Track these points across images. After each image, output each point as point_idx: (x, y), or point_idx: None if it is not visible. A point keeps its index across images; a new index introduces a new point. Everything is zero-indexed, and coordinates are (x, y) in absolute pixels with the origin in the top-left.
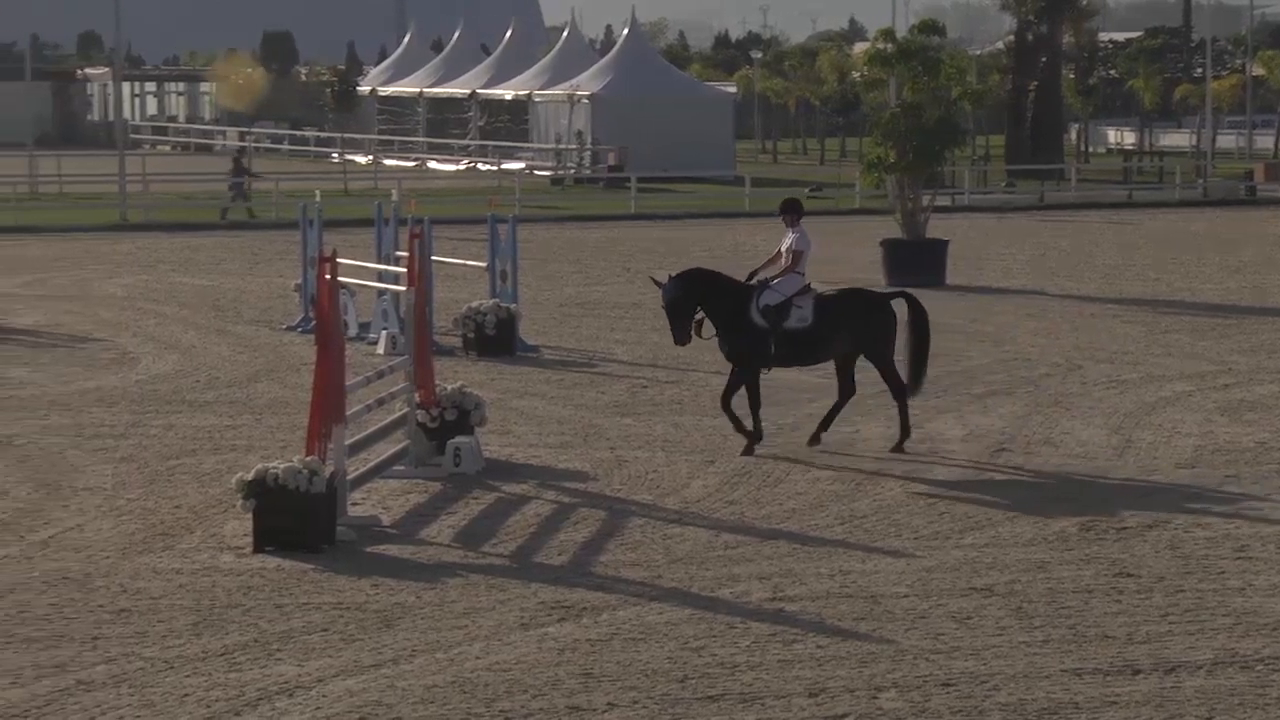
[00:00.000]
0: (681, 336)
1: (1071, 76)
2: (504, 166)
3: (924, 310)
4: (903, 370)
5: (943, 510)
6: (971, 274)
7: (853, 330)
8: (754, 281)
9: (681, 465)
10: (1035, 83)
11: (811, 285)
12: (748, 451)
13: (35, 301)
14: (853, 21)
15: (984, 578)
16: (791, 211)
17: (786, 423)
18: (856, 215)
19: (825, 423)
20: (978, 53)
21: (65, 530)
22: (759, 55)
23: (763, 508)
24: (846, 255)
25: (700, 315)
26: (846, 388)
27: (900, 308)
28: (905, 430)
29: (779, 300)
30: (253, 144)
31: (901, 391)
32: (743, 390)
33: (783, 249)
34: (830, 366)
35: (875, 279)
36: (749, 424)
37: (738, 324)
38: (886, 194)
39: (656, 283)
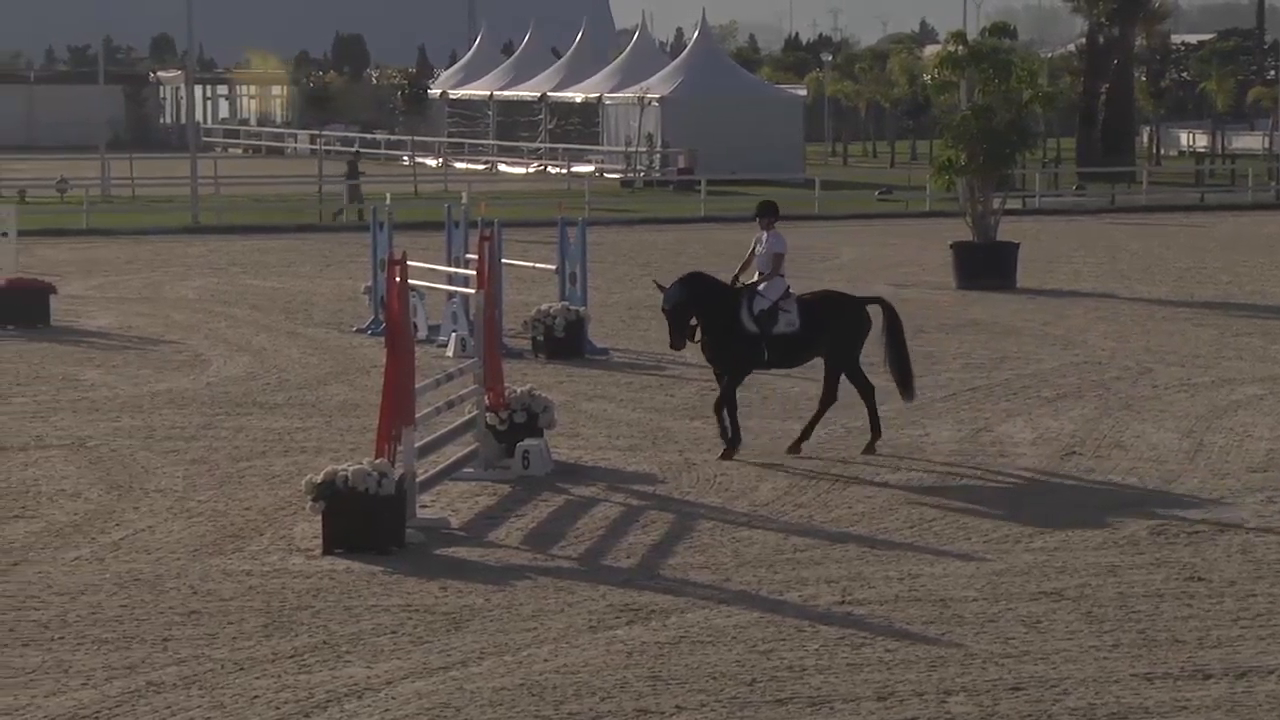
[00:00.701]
0: (680, 341)
1: (1143, 79)
2: (574, 169)
3: (899, 316)
4: (871, 379)
5: (1012, 514)
6: (1042, 277)
7: (830, 331)
8: (737, 285)
9: (750, 468)
10: (1107, 85)
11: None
12: (726, 456)
13: (108, 304)
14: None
15: (1054, 581)
16: (769, 214)
17: (856, 425)
18: (927, 218)
19: (807, 431)
20: (1049, 55)
21: (136, 532)
22: (829, 58)
23: (831, 511)
24: (917, 258)
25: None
26: (829, 395)
27: (875, 313)
28: (876, 430)
29: (768, 305)
30: (323, 146)
31: (869, 392)
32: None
33: (758, 251)
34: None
35: (946, 282)
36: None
37: (731, 329)
38: (957, 197)
39: (659, 286)
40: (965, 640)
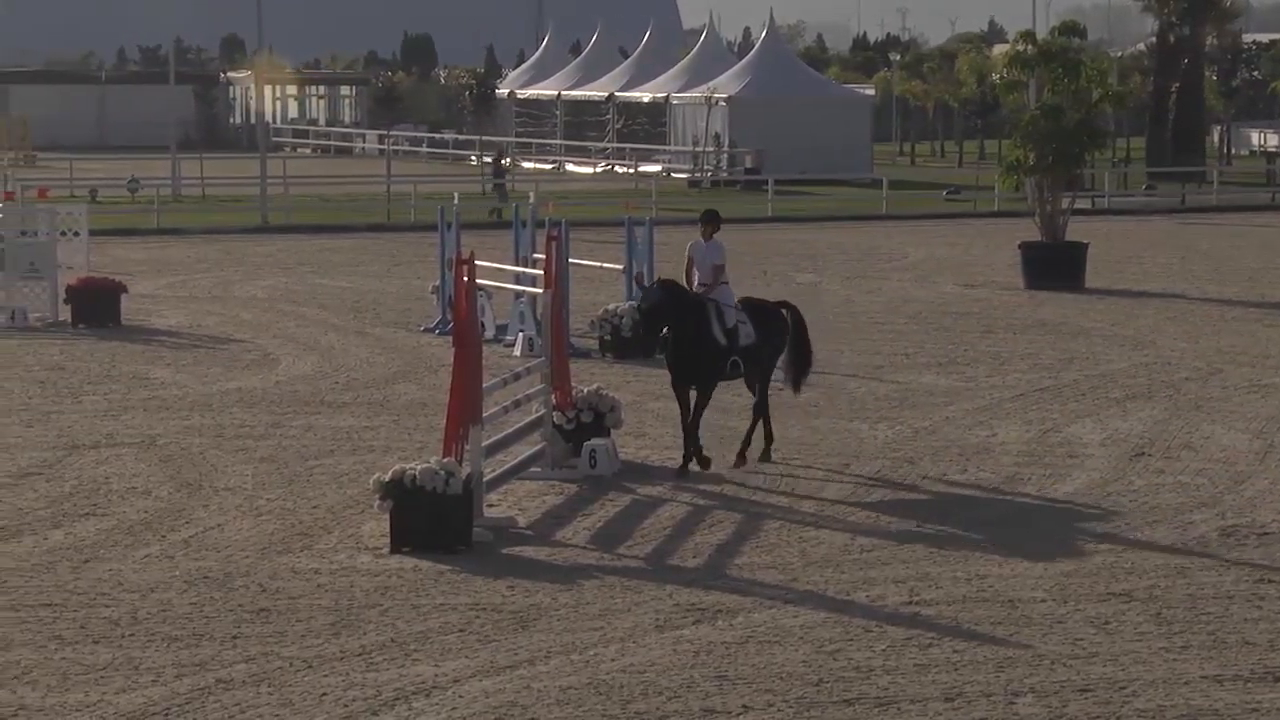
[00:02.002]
0: (653, 347)
1: (1214, 78)
2: (641, 169)
3: (804, 321)
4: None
5: (1081, 515)
6: (1111, 277)
7: (770, 340)
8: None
9: (817, 468)
10: (1177, 84)
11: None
12: (682, 473)
13: (178, 303)
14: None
15: (1123, 583)
16: (710, 222)
17: (923, 426)
18: (995, 218)
19: (748, 439)
20: (1119, 54)
21: (206, 530)
22: (897, 57)
23: (898, 511)
24: (985, 258)
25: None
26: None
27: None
28: (748, 442)
29: (735, 319)
30: (391, 146)
31: (763, 406)
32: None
33: (696, 259)
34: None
35: (1014, 282)
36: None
37: (703, 342)
38: (1026, 197)
39: (641, 287)
40: (1033, 641)
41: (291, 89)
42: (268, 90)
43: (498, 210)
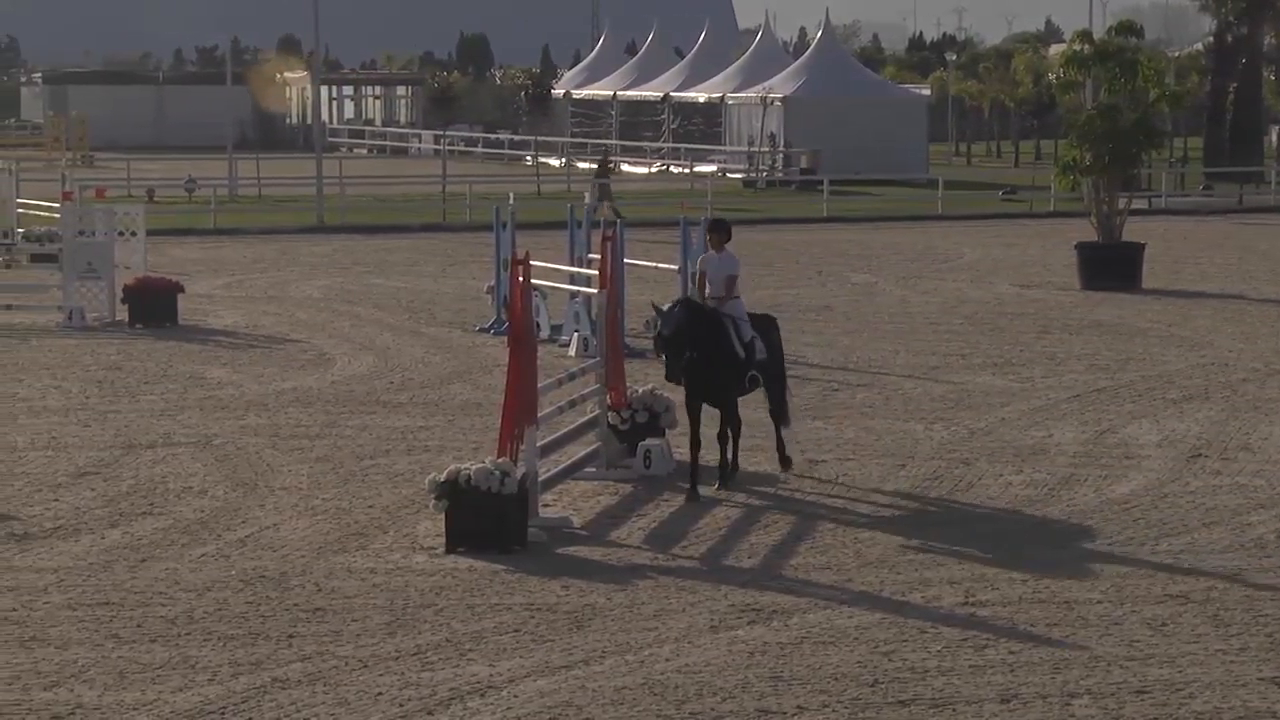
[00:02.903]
0: (678, 374)
1: (1272, 78)
2: (696, 169)
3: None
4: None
5: (1137, 516)
6: (1168, 278)
7: (772, 349)
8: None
9: (873, 469)
10: (1235, 84)
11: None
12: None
13: (234, 303)
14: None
15: (1179, 584)
16: (719, 233)
17: (979, 426)
18: (1051, 218)
19: (733, 462)
20: (1176, 54)
21: (262, 529)
22: (953, 57)
23: (954, 512)
24: (1041, 259)
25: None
26: (782, 410)
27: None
28: (737, 464)
29: (750, 333)
30: (446, 146)
31: (783, 411)
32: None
33: (707, 273)
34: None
35: (1070, 282)
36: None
37: (725, 360)
38: (1082, 197)
39: (657, 310)
40: (1090, 643)
41: (348, 90)
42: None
43: (608, 208)
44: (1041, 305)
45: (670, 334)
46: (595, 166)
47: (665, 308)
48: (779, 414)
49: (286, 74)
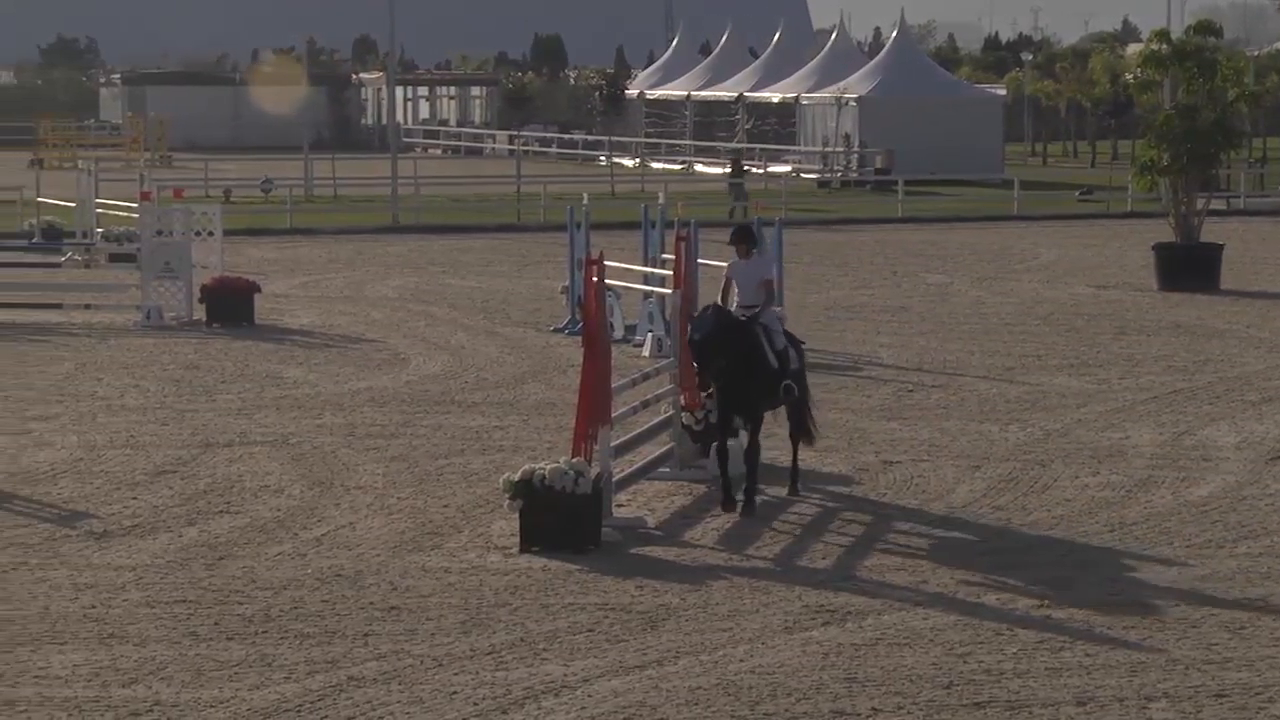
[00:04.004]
0: (710, 381)
1: None
2: (771, 169)
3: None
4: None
5: (1215, 519)
6: (1246, 279)
7: (800, 356)
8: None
9: (947, 470)
10: None
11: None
12: (730, 508)
13: (310, 302)
14: (1126, 22)
15: (1258, 588)
16: (744, 241)
17: (1054, 428)
18: (1128, 219)
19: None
20: (1255, 53)
21: (337, 528)
22: (1029, 57)
23: (1030, 514)
24: (1118, 259)
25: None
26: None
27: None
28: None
29: (783, 341)
30: (521, 147)
31: (804, 427)
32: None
33: (736, 280)
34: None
35: (1147, 283)
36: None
37: (755, 368)
38: (1160, 197)
39: (690, 316)
40: (1167, 645)
41: (423, 90)
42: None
43: (740, 209)
44: (1118, 306)
45: (702, 338)
46: (729, 169)
47: (696, 312)
48: (799, 433)
49: (362, 74)
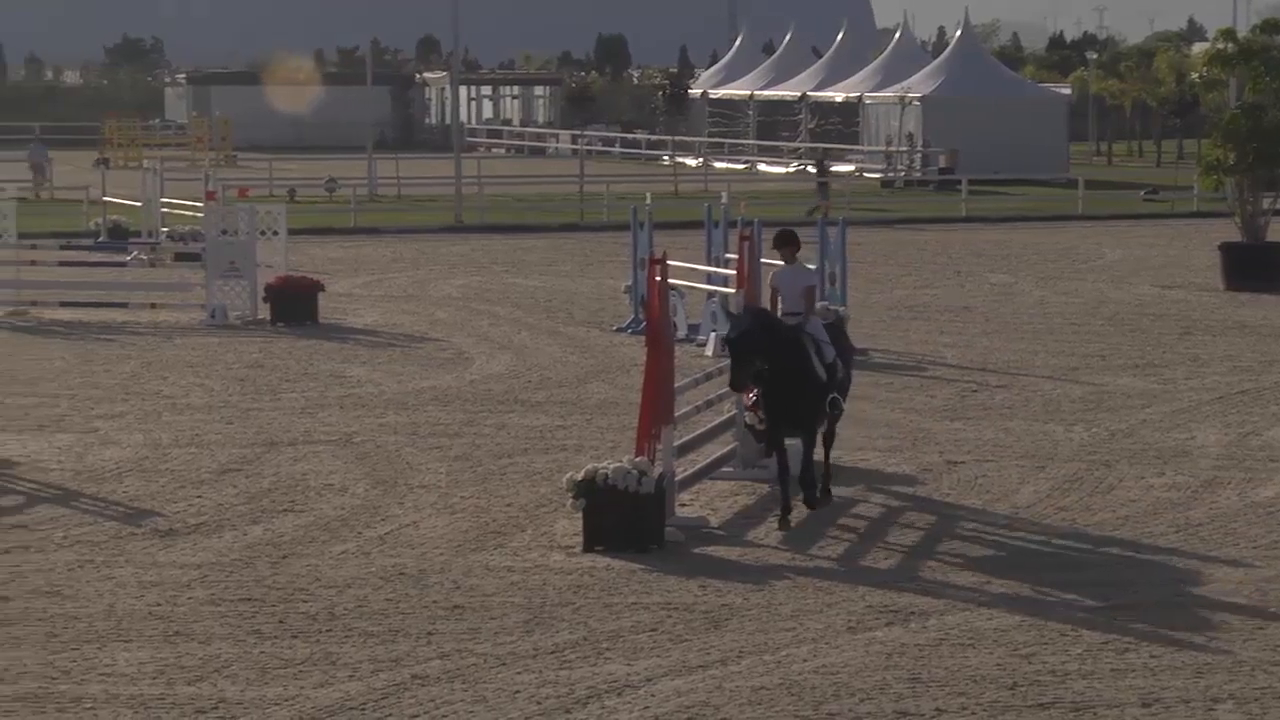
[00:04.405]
0: (743, 380)
1: None
2: (834, 169)
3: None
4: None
5: None
6: None
7: (847, 364)
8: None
9: (1011, 470)
10: None
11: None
12: (784, 525)
13: (374, 301)
14: (1191, 21)
15: None
16: (788, 245)
17: (1120, 428)
18: (1194, 218)
19: (826, 478)
20: None
21: (401, 527)
22: (1094, 56)
23: (1095, 514)
24: (1183, 259)
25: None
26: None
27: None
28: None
29: (832, 353)
30: (584, 146)
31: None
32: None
33: (778, 287)
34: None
35: (1213, 283)
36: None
37: (803, 379)
38: (1226, 197)
39: (728, 314)
40: (1233, 647)
41: (486, 90)
42: (463, 91)
43: (822, 209)
44: (1184, 306)
45: (737, 338)
46: (815, 169)
47: (735, 312)
48: (828, 436)
49: (426, 74)
